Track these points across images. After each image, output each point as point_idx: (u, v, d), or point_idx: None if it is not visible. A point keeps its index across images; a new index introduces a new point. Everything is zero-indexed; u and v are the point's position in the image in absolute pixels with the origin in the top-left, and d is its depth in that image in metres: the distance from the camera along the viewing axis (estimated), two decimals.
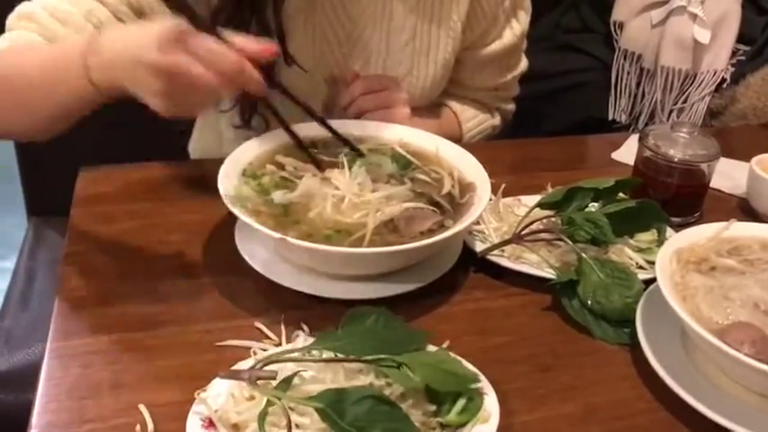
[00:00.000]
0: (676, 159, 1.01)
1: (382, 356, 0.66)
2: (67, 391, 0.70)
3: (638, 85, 1.46)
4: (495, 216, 0.96)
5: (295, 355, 0.68)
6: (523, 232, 0.88)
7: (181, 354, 0.75)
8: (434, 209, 0.87)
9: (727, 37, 1.41)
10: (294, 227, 0.82)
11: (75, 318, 0.79)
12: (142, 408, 0.67)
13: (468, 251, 0.90)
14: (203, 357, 0.74)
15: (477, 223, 0.93)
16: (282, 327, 0.78)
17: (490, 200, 0.90)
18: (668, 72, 1.41)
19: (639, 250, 0.91)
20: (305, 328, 0.77)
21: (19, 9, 0.95)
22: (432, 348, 0.72)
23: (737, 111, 1.42)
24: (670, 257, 0.79)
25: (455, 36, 1.13)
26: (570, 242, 0.86)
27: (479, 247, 0.90)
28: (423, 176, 0.92)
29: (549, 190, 0.99)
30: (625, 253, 0.90)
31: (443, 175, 0.93)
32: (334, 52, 1.09)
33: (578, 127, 1.45)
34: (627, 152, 1.20)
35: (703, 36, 1.37)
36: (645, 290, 0.83)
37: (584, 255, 0.84)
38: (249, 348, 0.74)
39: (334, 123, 0.98)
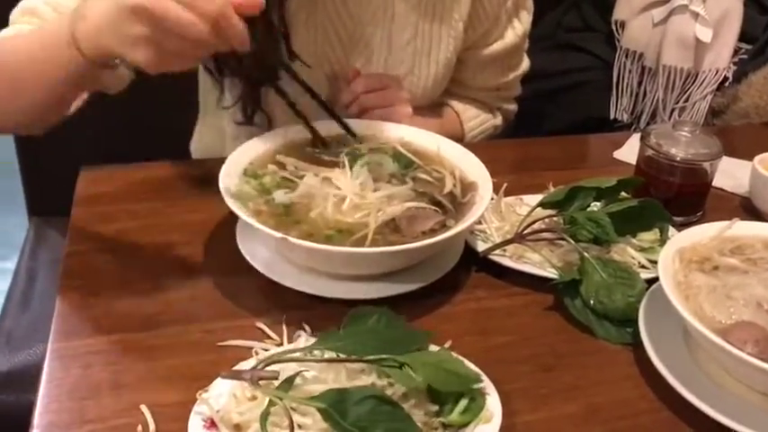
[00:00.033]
0: (678, 158, 1.00)
1: (384, 356, 0.66)
2: (68, 392, 0.70)
3: (639, 84, 1.45)
4: (497, 215, 0.95)
5: (297, 355, 0.68)
6: (525, 232, 0.88)
7: (182, 354, 0.75)
8: (436, 208, 0.86)
9: (728, 35, 1.41)
10: (295, 227, 0.82)
11: (76, 318, 0.79)
12: (144, 408, 0.67)
13: (469, 251, 0.90)
14: (205, 357, 0.74)
15: (479, 223, 0.93)
16: (284, 327, 0.77)
17: (492, 199, 0.90)
18: (670, 71, 1.41)
19: (642, 250, 0.91)
20: (307, 328, 0.77)
21: (22, 4, 0.95)
22: (434, 348, 0.72)
23: (740, 109, 1.42)
24: (672, 257, 0.79)
25: (457, 35, 1.13)
26: (572, 241, 0.86)
27: (481, 246, 0.90)
28: (424, 176, 0.92)
29: (551, 189, 0.99)
30: (627, 252, 0.90)
31: (445, 174, 0.93)
32: (336, 51, 1.09)
33: (580, 126, 1.45)
34: (629, 151, 1.19)
35: (705, 35, 1.37)
36: (647, 289, 0.83)
37: (586, 254, 0.84)
38: (251, 348, 0.74)
39: (336, 122, 0.98)
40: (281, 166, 0.91)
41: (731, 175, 1.12)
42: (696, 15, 1.37)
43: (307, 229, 0.82)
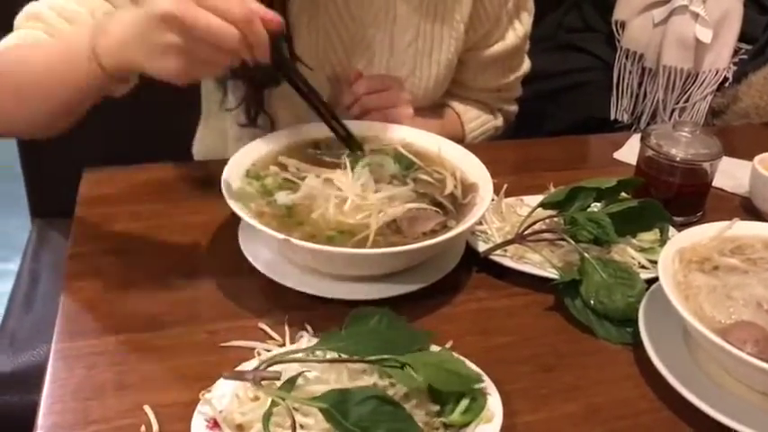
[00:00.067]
0: (678, 159, 1.01)
1: (386, 357, 0.66)
2: (72, 393, 0.70)
3: (639, 84, 1.46)
4: (498, 216, 0.96)
5: (299, 355, 0.68)
6: (526, 232, 0.89)
7: (185, 354, 0.75)
8: (437, 209, 0.87)
9: (728, 36, 1.41)
10: (297, 228, 0.82)
11: (79, 319, 0.79)
12: (147, 409, 0.68)
13: (470, 251, 0.90)
14: (207, 358, 0.75)
15: (480, 223, 0.93)
16: (286, 327, 0.78)
17: (493, 200, 0.91)
18: (670, 71, 1.41)
19: (642, 250, 0.91)
20: (309, 328, 0.78)
21: (27, 9, 0.95)
22: (435, 348, 0.72)
23: (740, 110, 1.42)
24: (672, 257, 0.80)
25: (458, 37, 1.14)
26: (573, 242, 0.86)
27: (482, 247, 0.91)
28: (425, 177, 0.93)
29: (552, 190, 0.99)
30: (627, 253, 0.90)
31: (446, 175, 0.93)
32: (338, 53, 1.09)
33: (580, 127, 1.45)
34: (629, 152, 1.20)
35: (705, 35, 1.37)
36: (647, 289, 0.83)
37: (586, 254, 0.84)
38: (253, 349, 0.74)
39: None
40: (283, 167, 0.92)
41: (731, 175, 1.12)
42: (696, 16, 1.37)
43: (309, 231, 0.82)
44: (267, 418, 0.61)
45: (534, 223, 0.89)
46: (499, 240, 0.91)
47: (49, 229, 1.44)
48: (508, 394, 0.70)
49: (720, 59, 1.42)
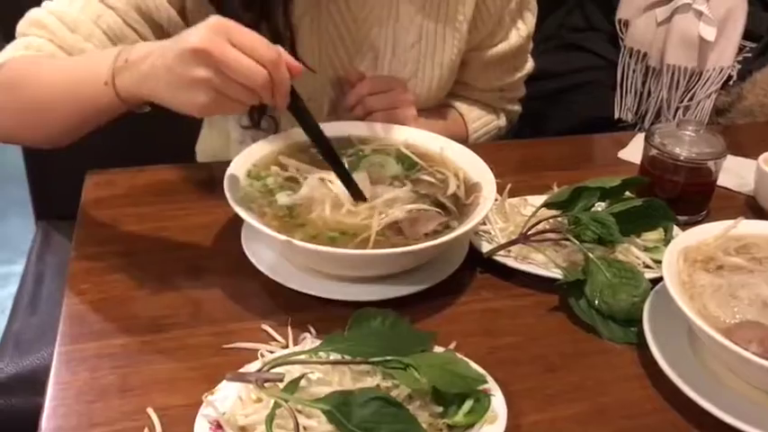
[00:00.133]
0: (683, 157, 1.00)
1: (389, 358, 0.66)
2: (76, 395, 0.70)
3: (643, 83, 1.45)
4: (502, 216, 0.96)
5: (302, 357, 0.68)
6: (530, 232, 0.88)
7: (188, 357, 0.75)
8: (439, 210, 0.87)
9: (733, 34, 1.41)
10: (299, 229, 0.82)
11: (83, 321, 0.79)
12: (150, 411, 0.68)
13: (474, 252, 0.90)
14: (211, 360, 0.75)
15: (484, 224, 0.93)
16: (289, 329, 0.78)
17: (496, 200, 0.90)
18: (674, 70, 1.41)
19: (646, 249, 0.91)
20: (312, 330, 0.77)
21: (29, 15, 0.95)
22: (438, 349, 0.72)
23: (744, 108, 1.42)
24: (677, 256, 0.79)
25: (461, 37, 1.13)
26: (577, 242, 0.86)
27: (486, 247, 0.90)
28: (428, 177, 0.92)
29: (555, 190, 0.99)
30: (632, 252, 0.90)
31: (448, 175, 0.93)
32: (340, 54, 1.09)
33: (584, 126, 1.44)
34: (633, 151, 1.19)
35: (709, 33, 1.37)
36: (652, 289, 0.83)
37: (590, 254, 0.84)
38: (256, 351, 0.74)
39: (341, 124, 0.99)
40: (284, 167, 0.92)
41: (736, 173, 1.12)
42: (700, 14, 1.37)
43: (310, 232, 0.82)
44: (270, 419, 0.61)
45: (538, 223, 0.89)
46: (503, 241, 0.91)
47: (53, 232, 1.44)
48: (512, 395, 0.69)
49: (724, 58, 1.41)
